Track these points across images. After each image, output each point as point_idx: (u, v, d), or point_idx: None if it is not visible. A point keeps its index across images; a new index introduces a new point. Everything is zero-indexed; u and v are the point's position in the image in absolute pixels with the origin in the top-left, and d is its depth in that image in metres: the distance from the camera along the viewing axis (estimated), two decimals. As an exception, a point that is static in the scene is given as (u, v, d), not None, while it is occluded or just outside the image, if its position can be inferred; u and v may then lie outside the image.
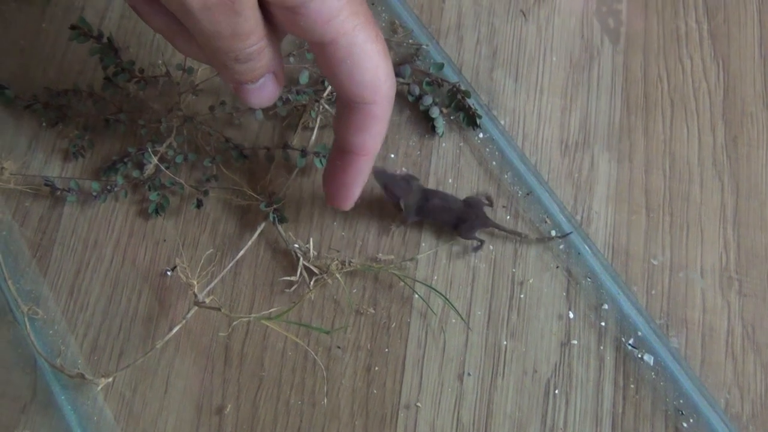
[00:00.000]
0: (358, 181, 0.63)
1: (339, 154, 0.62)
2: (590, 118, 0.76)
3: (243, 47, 0.52)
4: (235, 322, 0.70)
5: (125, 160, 0.76)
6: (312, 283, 0.72)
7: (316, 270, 0.72)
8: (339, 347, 0.70)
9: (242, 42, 0.52)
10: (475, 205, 0.72)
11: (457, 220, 0.71)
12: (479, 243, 0.72)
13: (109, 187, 0.75)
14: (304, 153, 0.74)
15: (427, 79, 0.76)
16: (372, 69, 0.56)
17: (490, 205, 0.73)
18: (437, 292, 0.71)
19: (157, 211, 0.74)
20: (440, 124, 0.75)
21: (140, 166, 0.75)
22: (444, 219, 0.72)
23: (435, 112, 0.75)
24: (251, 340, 0.71)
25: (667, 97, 0.76)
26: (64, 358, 0.71)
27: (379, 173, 0.71)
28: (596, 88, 0.77)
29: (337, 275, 0.71)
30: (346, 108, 0.59)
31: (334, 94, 0.76)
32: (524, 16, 0.80)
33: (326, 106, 0.76)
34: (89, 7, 0.83)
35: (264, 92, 0.57)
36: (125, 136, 0.78)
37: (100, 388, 0.69)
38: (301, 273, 0.72)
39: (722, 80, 0.76)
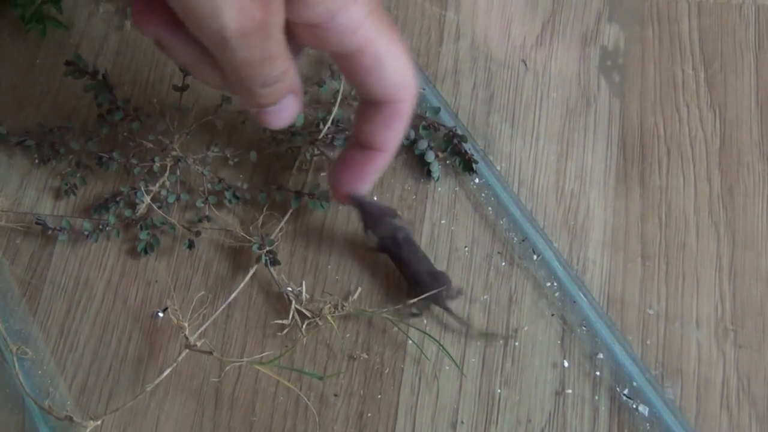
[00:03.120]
0: (373, 176, 0.65)
1: (357, 150, 0.64)
2: (586, 165, 0.76)
3: (270, 71, 0.53)
4: (227, 367, 0.69)
5: (117, 199, 0.75)
6: (304, 326, 0.71)
7: (308, 313, 0.71)
8: (336, 395, 0.69)
9: (270, 66, 0.52)
10: (439, 280, 0.70)
11: (414, 280, 0.70)
12: (418, 312, 0.72)
13: (101, 227, 0.74)
14: (298, 195, 0.74)
15: (424, 123, 0.75)
16: (400, 71, 0.58)
17: (455, 296, 0.72)
18: (431, 337, 0.70)
19: (146, 251, 0.74)
20: (436, 168, 0.75)
21: (132, 206, 0.75)
22: (403, 270, 0.71)
23: (430, 156, 0.75)
24: (242, 384, 0.70)
25: (664, 146, 0.76)
26: (52, 400, 0.70)
27: (356, 198, 0.68)
28: (593, 135, 0.77)
29: (330, 319, 0.70)
30: (371, 106, 0.61)
31: (330, 135, 0.76)
32: (525, 65, 0.80)
33: (321, 149, 0.76)
34: (84, 44, 0.83)
35: (286, 113, 0.58)
36: (118, 174, 0.77)
37: (88, 431, 0.68)
38: (293, 316, 0.71)
39: (719, 129, 0.76)
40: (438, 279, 0.70)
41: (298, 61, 0.56)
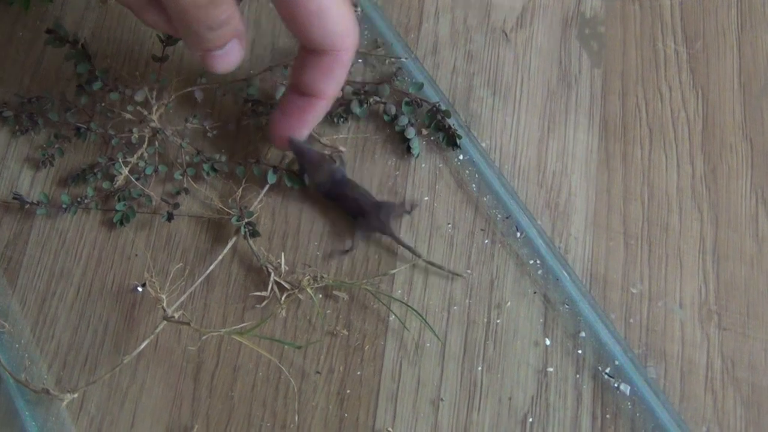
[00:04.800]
0: (313, 123, 0.68)
1: (297, 97, 0.66)
2: (568, 146, 0.75)
3: (216, 15, 0.54)
4: (204, 336, 0.68)
5: (95, 170, 0.74)
6: (283, 298, 0.70)
7: (287, 285, 0.70)
8: (319, 372, 0.68)
9: (216, 10, 0.54)
10: (384, 209, 0.71)
11: (359, 212, 0.71)
12: (350, 247, 0.72)
13: (79, 200, 0.73)
14: (276, 169, 0.73)
15: (406, 99, 0.75)
16: (343, 19, 0.60)
17: (409, 212, 0.73)
18: (411, 308, 0.70)
19: (122, 222, 0.73)
20: (416, 144, 0.74)
21: (110, 178, 0.74)
22: (348, 207, 0.72)
23: (411, 132, 0.74)
24: (222, 359, 0.69)
25: (646, 127, 0.76)
26: (29, 373, 0.69)
27: (295, 143, 0.70)
28: (574, 116, 0.76)
29: (309, 291, 0.69)
30: (312, 55, 0.63)
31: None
32: (506, 36, 0.79)
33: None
34: (67, 17, 0.82)
35: (231, 57, 0.60)
36: (96, 145, 0.76)
37: (65, 403, 0.66)
38: (272, 288, 0.70)
39: (701, 110, 0.76)
40: (382, 207, 0.71)
41: (239, 6, 0.58)
